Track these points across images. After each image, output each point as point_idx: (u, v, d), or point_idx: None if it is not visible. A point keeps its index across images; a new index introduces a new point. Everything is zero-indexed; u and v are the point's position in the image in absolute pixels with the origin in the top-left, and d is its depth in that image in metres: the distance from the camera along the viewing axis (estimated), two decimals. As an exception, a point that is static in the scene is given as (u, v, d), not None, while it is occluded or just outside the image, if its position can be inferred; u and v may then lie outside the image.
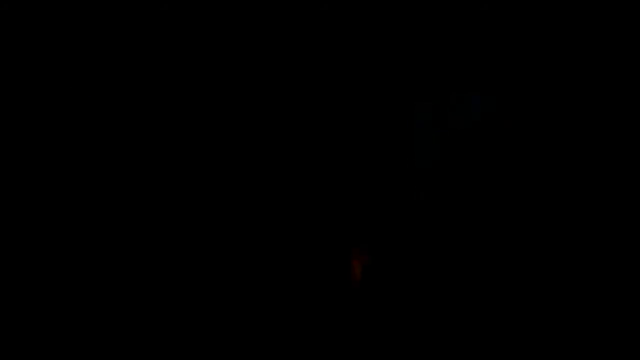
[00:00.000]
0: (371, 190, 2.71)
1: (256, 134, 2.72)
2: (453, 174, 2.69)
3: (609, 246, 2.57)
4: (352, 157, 2.71)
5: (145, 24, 2.70)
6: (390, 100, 2.73)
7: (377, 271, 2.64)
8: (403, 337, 2.58)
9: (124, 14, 2.70)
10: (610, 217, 2.59)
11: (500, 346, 2.54)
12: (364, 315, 2.61)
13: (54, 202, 2.64)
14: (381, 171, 2.71)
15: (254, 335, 2.60)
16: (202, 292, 2.63)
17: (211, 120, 2.71)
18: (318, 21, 2.72)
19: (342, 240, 2.67)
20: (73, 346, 2.57)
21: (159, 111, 2.71)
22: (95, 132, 2.68)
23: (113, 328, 2.59)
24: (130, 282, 2.62)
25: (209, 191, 2.69)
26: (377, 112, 2.73)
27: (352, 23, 2.72)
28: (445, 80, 2.71)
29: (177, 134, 2.70)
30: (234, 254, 2.66)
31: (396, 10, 2.72)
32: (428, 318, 2.59)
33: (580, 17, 2.65)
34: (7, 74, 2.67)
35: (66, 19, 2.68)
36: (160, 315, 2.60)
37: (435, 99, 2.71)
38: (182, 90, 2.72)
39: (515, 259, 2.61)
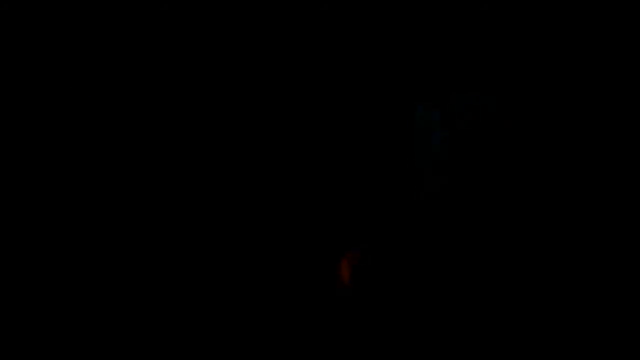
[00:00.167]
0: (367, 190, 2.71)
1: (256, 134, 2.71)
2: (453, 174, 2.69)
3: (609, 246, 2.57)
4: (351, 156, 2.71)
5: (145, 24, 2.70)
6: (390, 100, 2.73)
7: (367, 272, 2.64)
8: (393, 338, 2.58)
9: (124, 14, 2.70)
10: (611, 218, 2.59)
11: (494, 347, 2.54)
12: (353, 316, 2.60)
13: (53, 202, 2.64)
14: (380, 171, 2.71)
15: (245, 334, 2.60)
16: (192, 290, 2.63)
17: (211, 120, 2.71)
18: (318, 21, 2.72)
19: (335, 239, 2.67)
20: (73, 346, 2.57)
21: (159, 111, 2.71)
22: (95, 132, 2.68)
23: (107, 327, 2.58)
24: (122, 280, 2.62)
25: (203, 188, 2.69)
26: (376, 112, 2.73)
27: (352, 23, 2.72)
28: (445, 80, 2.71)
29: (175, 133, 2.70)
30: (226, 252, 2.66)
31: (396, 10, 2.72)
32: (418, 319, 2.59)
33: (580, 16, 2.65)
34: (7, 74, 2.67)
35: (66, 19, 2.68)
36: (153, 316, 2.60)
37: (435, 99, 2.71)
38: (180, 89, 2.72)
39: (514, 261, 2.61)
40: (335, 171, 2.71)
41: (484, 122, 2.68)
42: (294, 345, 2.59)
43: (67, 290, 2.61)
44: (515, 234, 2.63)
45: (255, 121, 2.72)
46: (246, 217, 2.68)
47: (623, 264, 2.56)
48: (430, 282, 2.62)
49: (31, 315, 2.58)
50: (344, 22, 2.72)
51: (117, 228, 2.65)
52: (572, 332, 2.53)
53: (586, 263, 2.58)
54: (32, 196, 2.64)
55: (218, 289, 2.63)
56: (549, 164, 2.64)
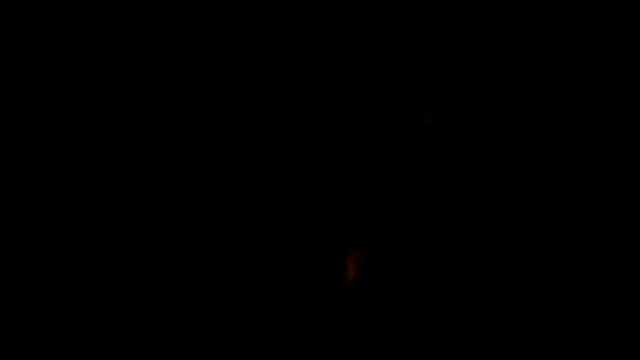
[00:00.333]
0: (369, 190, 2.71)
1: (255, 134, 2.72)
2: (453, 174, 2.68)
3: (609, 247, 2.57)
4: (351, 156, 2.71)
5: (145, 24, 2.70)
6: (390, 100, 2.73)
7: (372, 270, 2.64)
8: (397, 336, 2.58)
9: (124, 14, 2.70)
10: (612, 218, 2.59)
11: (496, 346, 2.54)
12: (358, 315, 2.60)
13: (53, 201, 2.64)
14: (380, 171, 2.71)
15: (248, 334, 2.60)
16: (196, 289, 2.63)
17: (211, 120, 2.71)
18: (318, 21, 2.72)
19: (338, 239, 2.67)
20: (73, 346, 2.57)
21: (158, 111, 2.71)
22: (95, 132, 2.68)
23: (107, 327, 2.59)
24: (123, 280, 2.63)
25: (205, 188, 2.69)
26: (377, 112, 2.73)
27: (352, 23, 2.72)
28: (445, 80, 2.71)
29: (174, 133, 2.70)
30: (229, 251, 2.66)
31: (396, 10, 2.72)
32: (422, 318, 2.59)
33: (580, 16, 2.65)
34: (7, 74, 2.67)
35: (66, 18, 2.69)
36: (154, 316, 2.61)
37: (435, 99, 2.71)
38: (180, 89, 2.72)
39: (515, 260, 2.61)
40: (336, 171, 2.71)
41: (483, 122, 2.68)
42: (299, 343, 2.59)
43: (67, 290, 2.61)
44: (515, 233, 2.63)
45: (255, 121, 2.72)
46: (249, 217, 2.68)
47: (623, 264, 2.56)
48: (430, 282, 2.62)
49: (31, 315, 2.58)
50: (344, 22, 2.72)
51: (119, 228, 2.65)
52: (572, 332, 2.53)
53: (585, 263, 2.58)
54: (32, 196, 2.64)
55: (223, 288, 2.63)
56: (548, 164, 2.64)
